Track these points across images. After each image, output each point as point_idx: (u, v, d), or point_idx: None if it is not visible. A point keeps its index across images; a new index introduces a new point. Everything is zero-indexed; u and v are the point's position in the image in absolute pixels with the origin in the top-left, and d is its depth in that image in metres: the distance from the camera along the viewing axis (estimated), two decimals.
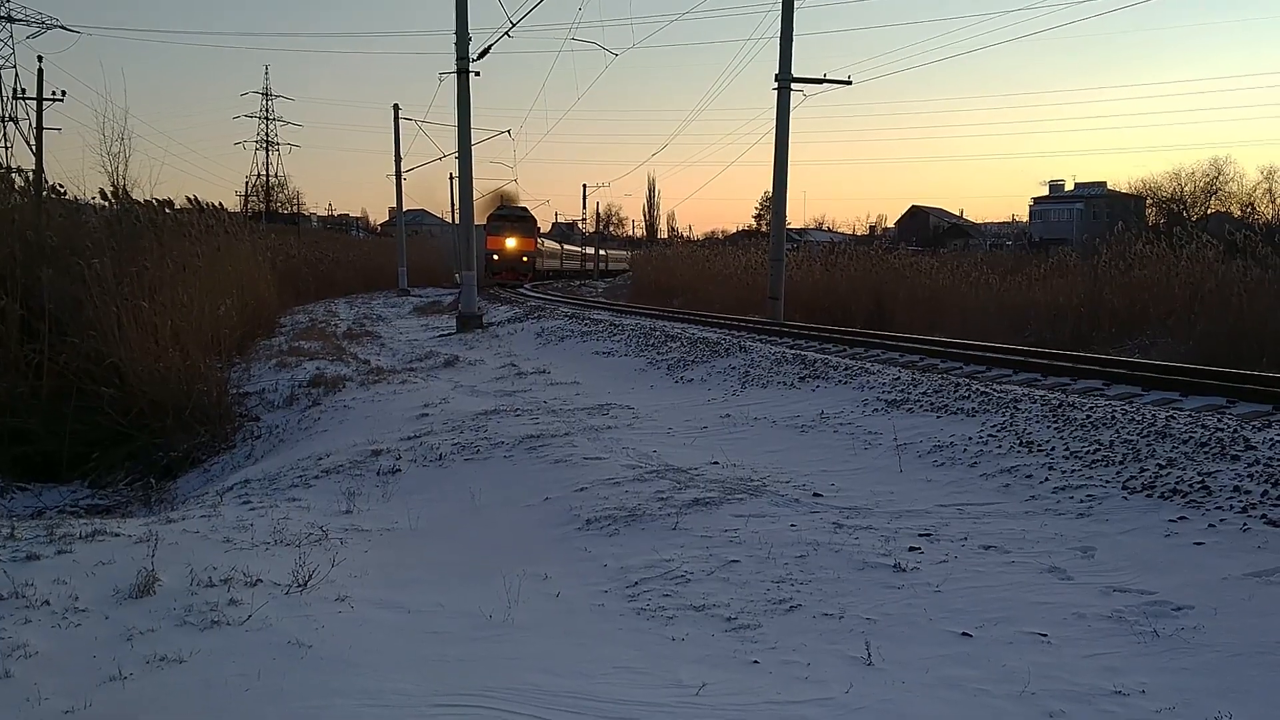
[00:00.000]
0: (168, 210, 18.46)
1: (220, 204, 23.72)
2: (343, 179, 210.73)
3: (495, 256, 50.81)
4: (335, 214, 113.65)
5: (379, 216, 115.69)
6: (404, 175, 49.96)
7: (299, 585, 5.18)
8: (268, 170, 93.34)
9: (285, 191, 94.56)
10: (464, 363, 16.82)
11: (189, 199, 22.12)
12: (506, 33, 24.19)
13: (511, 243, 51.44)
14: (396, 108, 48.48)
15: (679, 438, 9.25)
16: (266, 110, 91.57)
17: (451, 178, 49.45)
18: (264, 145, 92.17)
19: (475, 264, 25.30)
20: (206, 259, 17.32)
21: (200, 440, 12.51)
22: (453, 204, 49.62)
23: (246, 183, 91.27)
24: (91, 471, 12.44)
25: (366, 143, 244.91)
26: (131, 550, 5.70)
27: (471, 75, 23.78)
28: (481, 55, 24.46)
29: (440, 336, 23.32)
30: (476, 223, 27.99)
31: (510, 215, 52.71)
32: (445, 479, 8.17)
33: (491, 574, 5.50)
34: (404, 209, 54.14)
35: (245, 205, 79.34)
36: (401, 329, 26.61)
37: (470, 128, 24.09)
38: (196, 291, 15.27)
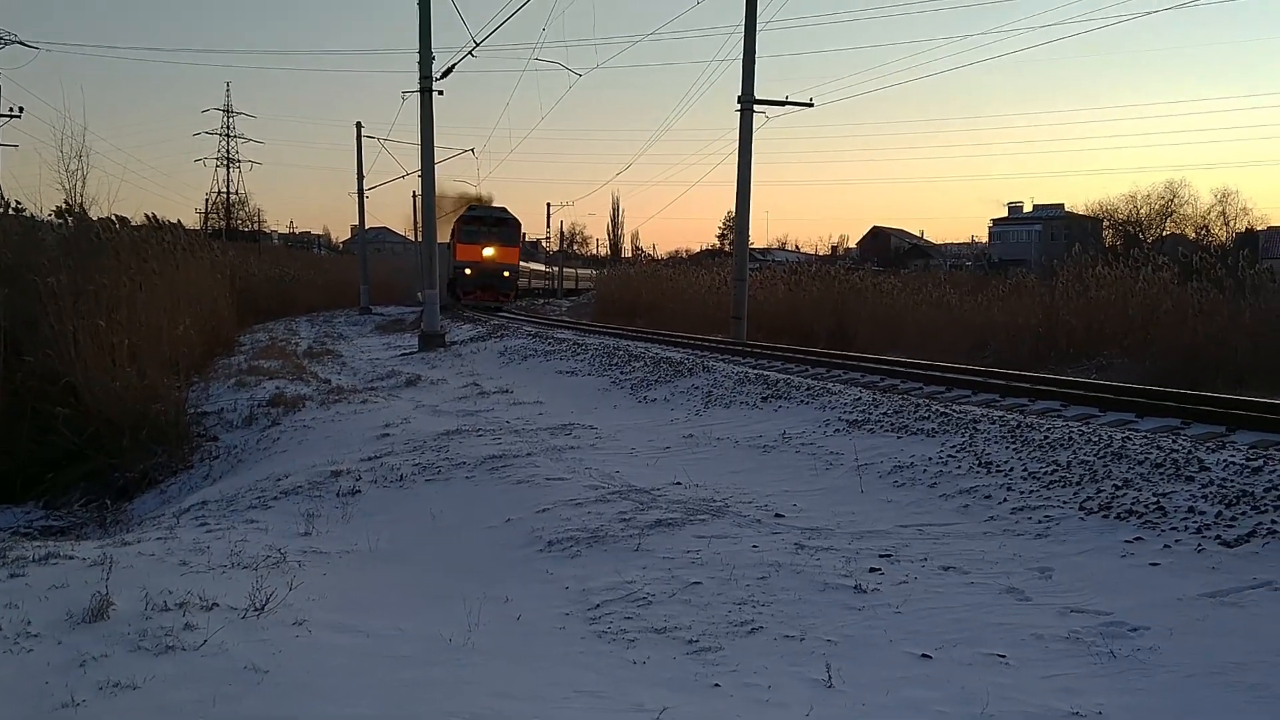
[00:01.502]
0: (126, 228, 18.26)
1: (178, 221, 23.53)
2: (305, 197, 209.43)
3: (468, 270, 40.89)
4: (297, 231, 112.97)
5: (341, 234, 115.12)
6: (366, 193, 49.73)
7: (256, 609, 5.11)
8: (228, 187, 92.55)
9: (246, 209, 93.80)
10: (426, 382, 16.74)
11: (146, 216, 21.90)
12: (470, 52, 24.17)
13: (489, 252, 41.03)
14: (359, 125, 48.34)
15: (642, 458, 9.24)
16: (227, 127, 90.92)
17: (415, 196, 48.70)
18: (225, 162, 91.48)
19: (438, 282, 25.23)
20: (165, 277, 17.15)
21: (157, 460, 12.35)
22: (415, 222, 48.97)
23: (207, 200, 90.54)
24: (46, 492, 12.25)
25: (329, 160, 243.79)
26: (86, 573, 5.61)
27: (435, 94, 23.77)
28: (445, 74, 24.47)
29: (402, 355, 23.21)
30: (441, 239, 27.92)
31: (487, 218, 42.11)
32: (406, 500, 8.11)
33: (452, 597, 5.47)
34: (366, 227, 53.82)
35: (205, 222, 78.73)
36: (363, 347, 26.47)
37: (433, 146, 24.10)
38: (154, 310, 15.12)
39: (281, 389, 15.51)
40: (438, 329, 24.49)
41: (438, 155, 24.49)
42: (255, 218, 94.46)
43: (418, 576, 6.14)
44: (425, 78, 23.58)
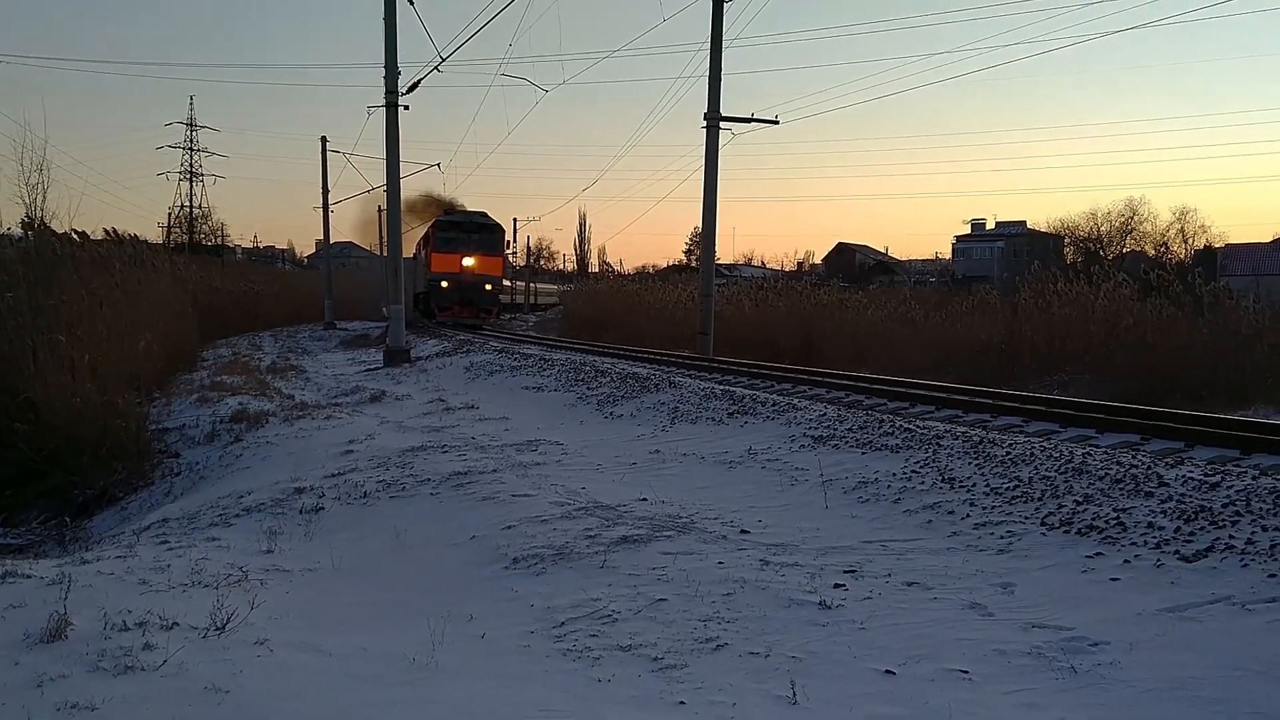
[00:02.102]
0: (87, 242, 18.07)
1: (137, 235, 23.33)
2: (269, 211, 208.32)
3: (444, 283, 36.48)
4: (261, 246, 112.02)
5: (306, 249, 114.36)
6: (331, 207, 49.47)
7: (217, 628, 5.06)
8: (191, 201, 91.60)
9: (209, 223, 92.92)
10: (391, 398, 16.66)
11: (107, 231, 21.70)
12: (436, 67, 24.14)
13: (469, 262, 36.48)
14: (324, 140, 48.11)
15: (608, 474, 9.24)
16: (190, 141, 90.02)
17: (380, 210, 48.33)
18: (188, 176, 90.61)
19: (404, 297, 25.14)
20: (126, 292, 16.98)
21: (117, 478, 12.21)
22: (381, 237, 48.50)
23: (169, 214, 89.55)
24: (4, 510, 12.07)
25: (294, 174, 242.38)
26: (44, 592, 5.53)
27: (401, 109, 23.74)
28: (411, 89, 24.44)
29: (367, 371, 23.08)
30: (406, 255, 27.83)
31: (467, 223, 37.53)
32: (370, 517, 8.06)
33: (416, 615, 5.43)
34: (331, 241, 53.53)
35: (168, 237, 77.95)
36: (327, 363, 26.30)
37: (399, 161, 24.02)
38: (116, 325, 14.96)
39: (244, 405, 15.38)
40: (403, 344, 24.38)
41: (404, 170, 24.44)
42: (219, 232, 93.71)
43: (381, 595, 6.10)
44: (391, 92, 23.54)
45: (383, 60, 23.66)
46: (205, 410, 15.48)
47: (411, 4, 23.45)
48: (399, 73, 23.70)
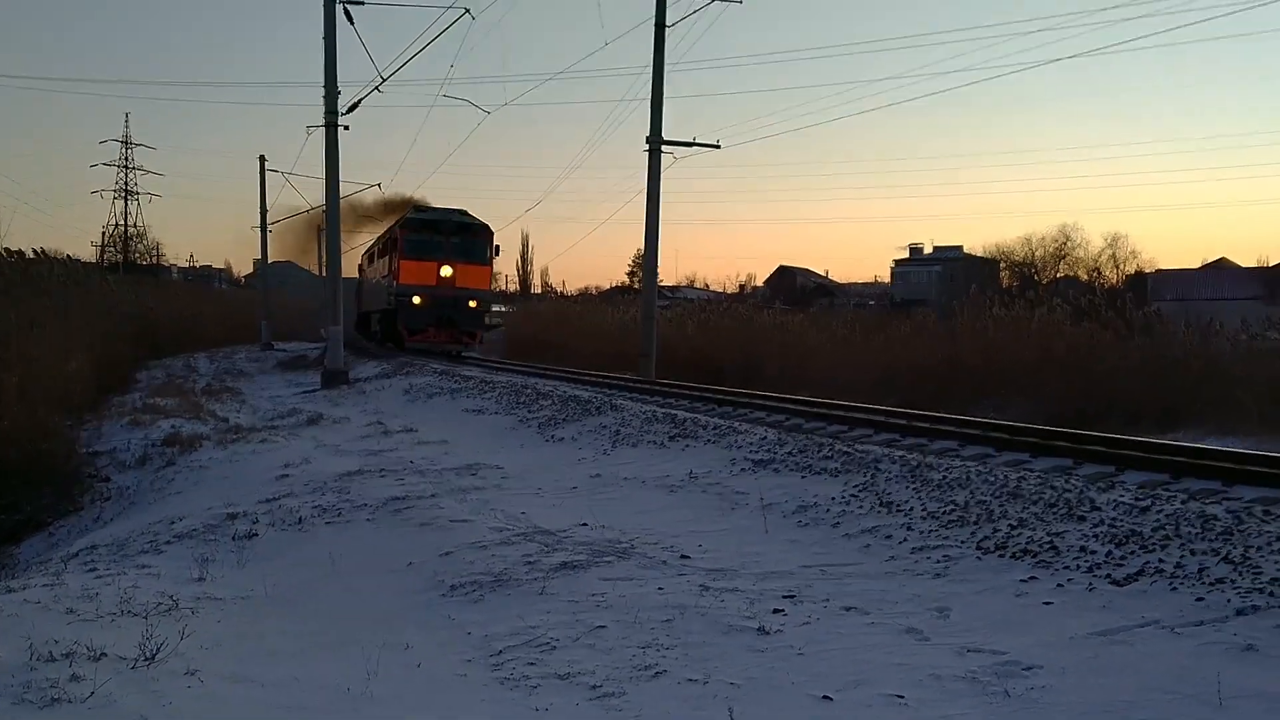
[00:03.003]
0: (17, 261, 17.70)
1: (70, 254, 22.89)
2: (207, 230, 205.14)
3: (416, 299, 29.42)
4: (197, 265, 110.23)
5: (243, 268, 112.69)
6: (270, 227, 48.95)
7: (146, 659, 4.95)
8: (126, 220, 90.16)
9: (145, 242, 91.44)
10: (328, 421, 16.48)
11: (35, 251, 21.27)
12: (377, 87, 23.96)
13: (448, 271, 29.44)
14: (262, 159, 47.72)
15: (548, 498, 9.20)
16: (126, 159, 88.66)
17: (320, 230, 47.85)
18: (123, 194, 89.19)
19: (343, 318, 24.91)
20: (58, 312, 16.65)
21: (45, 502, 11.94)
22: (320, 257, 47.99)
23: (104, 233, 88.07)
24: None
25: (232, 193, 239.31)
26: None
27: (340, 129, 23.59)
28: (351, 109, 24.27)
29: (304, 393, 22.81)
30: (346, 275, 27.48)
31: (445, 223, 30.14)
32: (305, 543, 7.96)
33: (351, 644, 5.36)
34: (270, 260, 52.93)
35: (102, 256, 76.63)
36: (264, 385, 25.97)
37: (339, 181, 23.87)
38: (46, 346, 14.65)
39: (178, 428, 15.15)
40: (341, 366, 24.15)
41: (344, 190, 24.26)
42: (154, 251, 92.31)
43: (315, 623, 6.01)
44: (331, 112, 23.40)
45: (323, 80, 23.53)
46: (137, 433, 15.22)
47: (352, 24, 23.33)
48: (339, 92, 23.58)
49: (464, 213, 30.68)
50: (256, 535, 8.27)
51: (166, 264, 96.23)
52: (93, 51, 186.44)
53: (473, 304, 29.98)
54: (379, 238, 36.79)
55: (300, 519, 8.63)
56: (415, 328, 29.75)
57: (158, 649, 5.03)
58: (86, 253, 77.81)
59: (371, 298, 37.77)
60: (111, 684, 4.60)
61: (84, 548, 8.87)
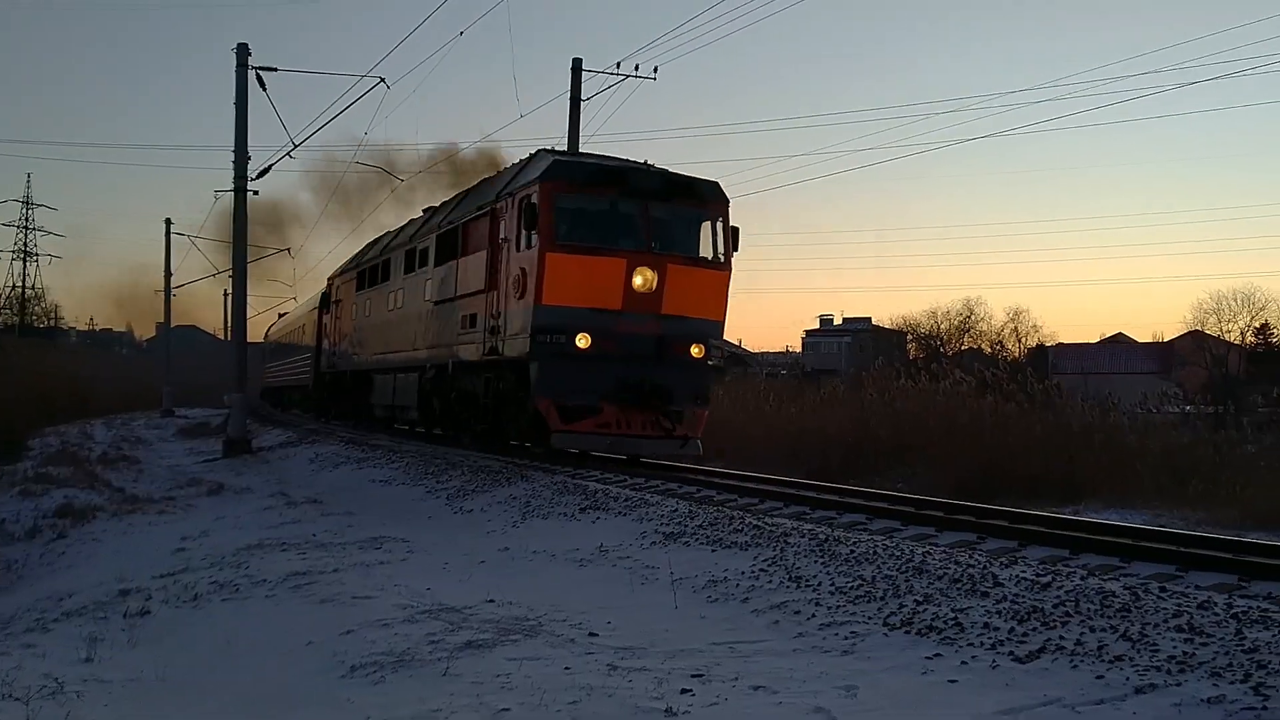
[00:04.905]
0: None
1: None
2: (109, 293, 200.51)
3: (582, 339, 14.62)
4: (98, 328, 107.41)
5: (146, 332, 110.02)
6: (175, 291, 48.02)
7: None
8: (24, 281, 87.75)
9: (43, 304, 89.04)
10: (230, 491, 16.07)
11: None
12: (289, 153, 23.47)
13: (647, 279, 14.74)
14: (168, 222, 47.14)
15: (455, 574, 9.02)
16: (26, 219, 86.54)
17: (226, 294, 46.88)
18: (21, 255, 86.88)
19: (245, 384, 24.43)
20: None
21: None
22: (226, 321, 47.09)
23: None
24: None
25: (135, 256, 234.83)
26: None
27: (250, 193, 23.38)
28: (261, 174, 23.97)
29: (205, 462, 22.26)
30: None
31: (640, 182, 15.19)
32: (200, 621, 7.68)
33: None
34: (174, 324, 51.83)
35: None
36: (163, 453, 25.30)
37: (247, 245, 23.57)
38: None
39: (71, 498, 14.67)
40: (244, 434, 23.65)
41: (252, 254, 23.94)
42: (52, 314, 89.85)
43: (208, 707, 5.78)
44: (240, 177, 23.21)
45: (233, 144, 23.32)
46: (28, 504, 14.71)
47: (264, 89, 23.17)
48: (249, 157, 23.42)
49: (682, 176, 15.88)
50: (150, 612, 7.98)
51: (65, 327, 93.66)
52: None
53: (697, 350, 15.24)
54: (402, 234, 22.90)
55: (196, 595, 8.35)
56: (576, 402, 14.77)
57: None
58: None
59: (318, 352, 29.45)
60: None
61: None
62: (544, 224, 14.49)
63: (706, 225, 15.76)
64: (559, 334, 14.52)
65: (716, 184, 15.88)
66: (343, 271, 27.74)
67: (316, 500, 14.34)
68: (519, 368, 15.37)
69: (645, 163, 15.95)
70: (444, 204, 21.52)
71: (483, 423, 17.54)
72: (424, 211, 22.58)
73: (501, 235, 15.90)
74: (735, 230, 15.80)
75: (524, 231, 15.04)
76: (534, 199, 14.76)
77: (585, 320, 14.57)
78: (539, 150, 16.87)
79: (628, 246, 14.96)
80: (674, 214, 15.49)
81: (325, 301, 29.58)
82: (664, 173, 15.78)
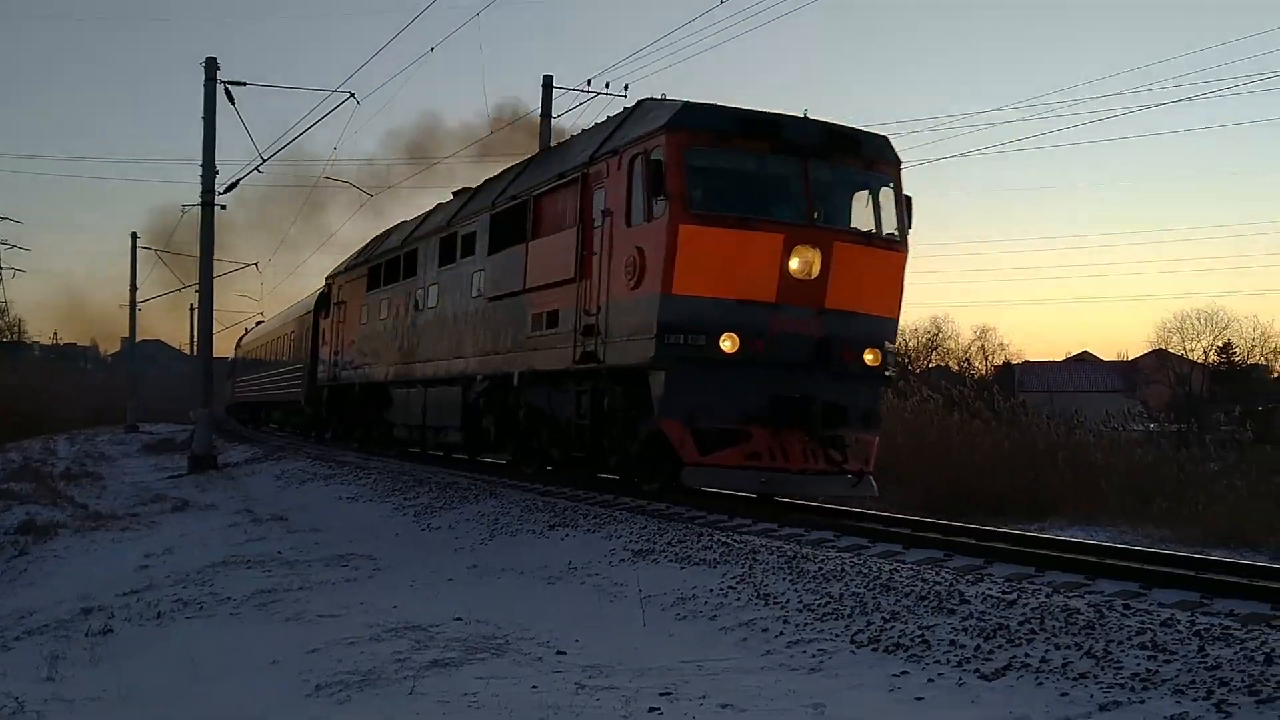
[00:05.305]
0: None
1: None
2: (74, 307, 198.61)
3: (727, 340, 11.18)
4: (62, 343, 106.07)
5: (111, 346, 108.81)
6: (140, 305, 47.59)
7: None
8: None
9: (5, 318, 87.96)
10: (195, 508, 15.93)
11: None
12: (257, 167, 23.33)
13: (807, 261, 11.27)
14: (134, 235, 46.77)
15: (422, 591, 8.98)
16: None
17: (192, 309, 46.49)
18: None
19: (212, 399, 24.24)
20: None
21: None
22: (192, 336, 46.68)
23: None
24: None
25: (102, 270, 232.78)
26: None
27: (218, 208, 23.27)
28: (229, 189, 23.83)
29: (170, 478, 22.05)
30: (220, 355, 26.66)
31: (801, 141, 11.62)
32: (164, 640, 7.62)
33: None
34: (140, 339, 51.35)
35: None
36: (128, 469, 25.05)
37: (214, 260, 23.44)
38: None
39: (32, 515, 14.50)
40: (210, 450, 23.43)
41: (219, 269, 23.81)
42: (15, 328, 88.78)
43: None
44: (208, 191, 23.10)
45: (200, 159, 23.22)
46: None
47: (232, 103, 23.08)
48: (217, 171, 23.34)
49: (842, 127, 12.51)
50: (112, 631, 7.92)
51: (29, 341, 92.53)
52: None
53: (871, 357, 12.18)
54: (429, 220, 19.76)
55: (160, 613, 8.27)
56: (718, 425, 11.59)
57: None
58: None
59: (313, 360, 25.97)
60: None
61: None
62: (674, 187, 11.08)
63: (881, 191, 12.33)
64: (696, 333, 11.25)
65: (887, 139, 12.58)
66: (347, 268, 24.18)
67: (282, 517, 14.22)
68: (631, 378, 12.20)
69: (822, 122, 12.15)
70: (488, 181, 17.67)
71: (568, 450, 14.13)
72: (454, 194, 19.24)
73: (602, 207, 12.47)
74: (909, 200, 12.54)
75: (642, 198, 11.63)
76: (658, 155, 11.35)
77: (730, 315, 11.28)
78: (644, 99, 13.17)
79: (784, 218, 11.58)
80: (839, 176, 12.16)
81: (323, 304, 26.02)
82: (824, 123, 12.14)
